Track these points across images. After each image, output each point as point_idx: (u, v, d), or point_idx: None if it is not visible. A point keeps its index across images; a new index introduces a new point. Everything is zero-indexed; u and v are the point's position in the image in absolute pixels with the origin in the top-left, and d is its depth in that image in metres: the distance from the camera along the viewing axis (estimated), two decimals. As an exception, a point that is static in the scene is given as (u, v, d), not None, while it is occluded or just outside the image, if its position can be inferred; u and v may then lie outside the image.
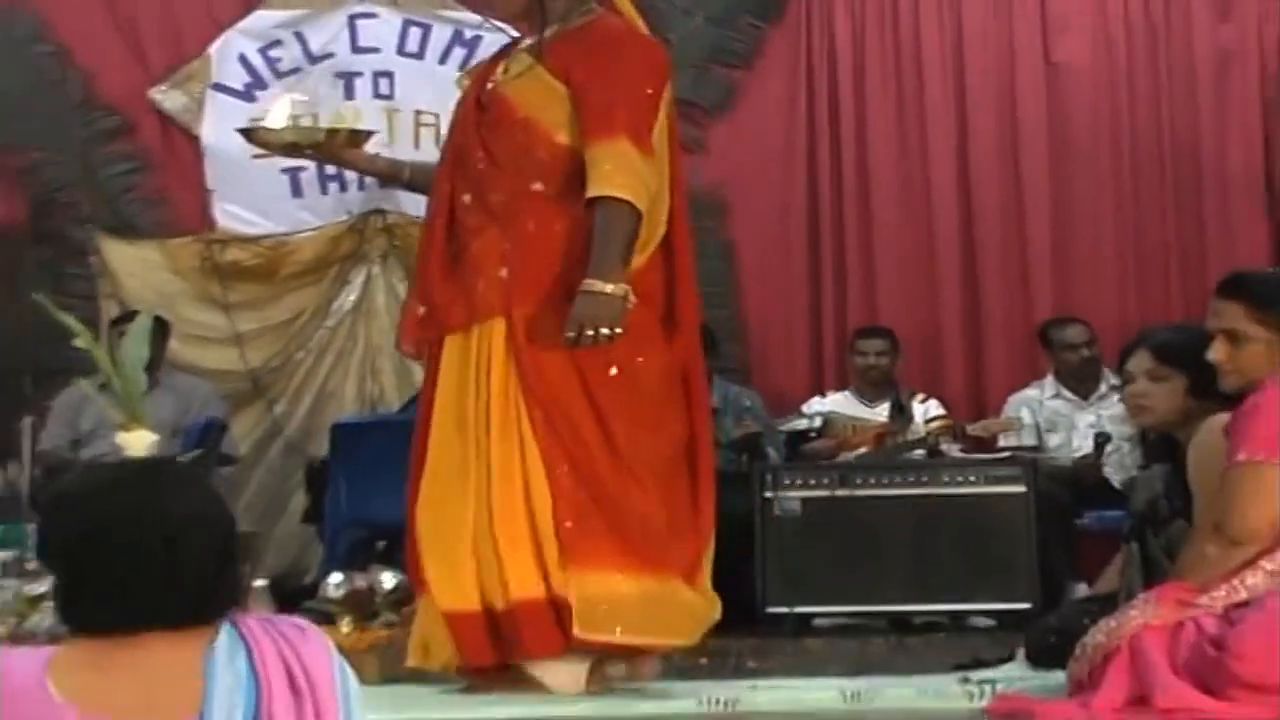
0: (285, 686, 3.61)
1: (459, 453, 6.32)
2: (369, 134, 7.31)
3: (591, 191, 6.09)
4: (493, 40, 11.99)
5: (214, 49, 12.31)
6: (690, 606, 6.37)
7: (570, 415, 6.22)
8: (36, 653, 3.63)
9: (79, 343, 7.99)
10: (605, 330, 6.02)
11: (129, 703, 3.51)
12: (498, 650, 6.19)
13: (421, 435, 6.47)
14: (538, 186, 6.31)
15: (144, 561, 3.62)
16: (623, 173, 6.10)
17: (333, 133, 7.06)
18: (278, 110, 6.99)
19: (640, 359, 6.30)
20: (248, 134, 7.42)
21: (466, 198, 6.52)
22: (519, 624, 6.13)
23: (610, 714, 5.98)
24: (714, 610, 6.54)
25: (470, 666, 6.28)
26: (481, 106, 6.60)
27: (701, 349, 6.65)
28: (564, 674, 6.14)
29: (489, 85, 6.62)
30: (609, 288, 6.02)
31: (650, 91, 6.31)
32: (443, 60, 12.32)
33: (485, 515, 6.22)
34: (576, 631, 6.05)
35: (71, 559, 3.65)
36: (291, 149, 7.13)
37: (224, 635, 3.65)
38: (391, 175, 7.34)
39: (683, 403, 6.47)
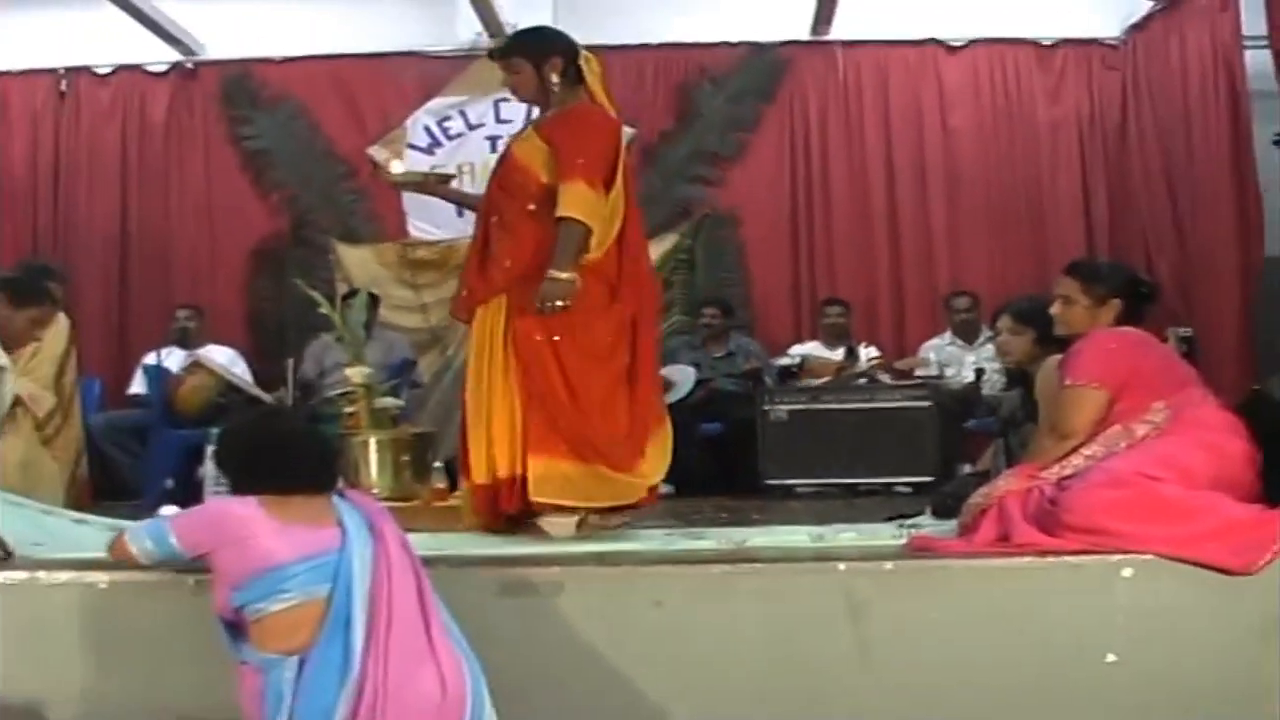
0: (374, 513, 4.36)
1: (481, 384, 6.44)
2: (451, 176, 7.77)
3: (558, 213, 6.23)
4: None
5: (408, 121, 12.33)
6: (613, 484, 6.33)
7: (538, 361, 6.30)
8: (246, 499, 4.29)
9: (323, 310, 8.13)
10: (560, 302, 6.19)
11: (301, 519, 4.23)
12: (494, 511, 6.36)
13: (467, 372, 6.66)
14: (531, 208, 6.38)
15: (307, 454, 4.43)
16: (577, 203, 6.22)
17: (427, 176, 7.49)
18: (397, 164, 7.16)
19: (593, 318, 6.37)
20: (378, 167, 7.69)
21: (494, 218, 6.62)
22: (499, 491, 6.29)
23: (656, 549, 5.99)
24: (638, 489, 6.48)
25: (485, 521, 6.42)
26: (501, 160, 6.74)
27: (650, 307, 6.68)
28: (559, 525, 6.22)
29: (509, 146, 6.80)
30: (563, 275, 6.18)
31: (603, 149, 6.40)
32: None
33: (489, 424, 6.36)
34: (531, 496, 6.20)
35: (269, 454, 4.38)
36: (404, 186, 7.31)
37: (336, 496, 4.39)
38: (465, 201, 7.53)
39: (629, 343, 6.49)
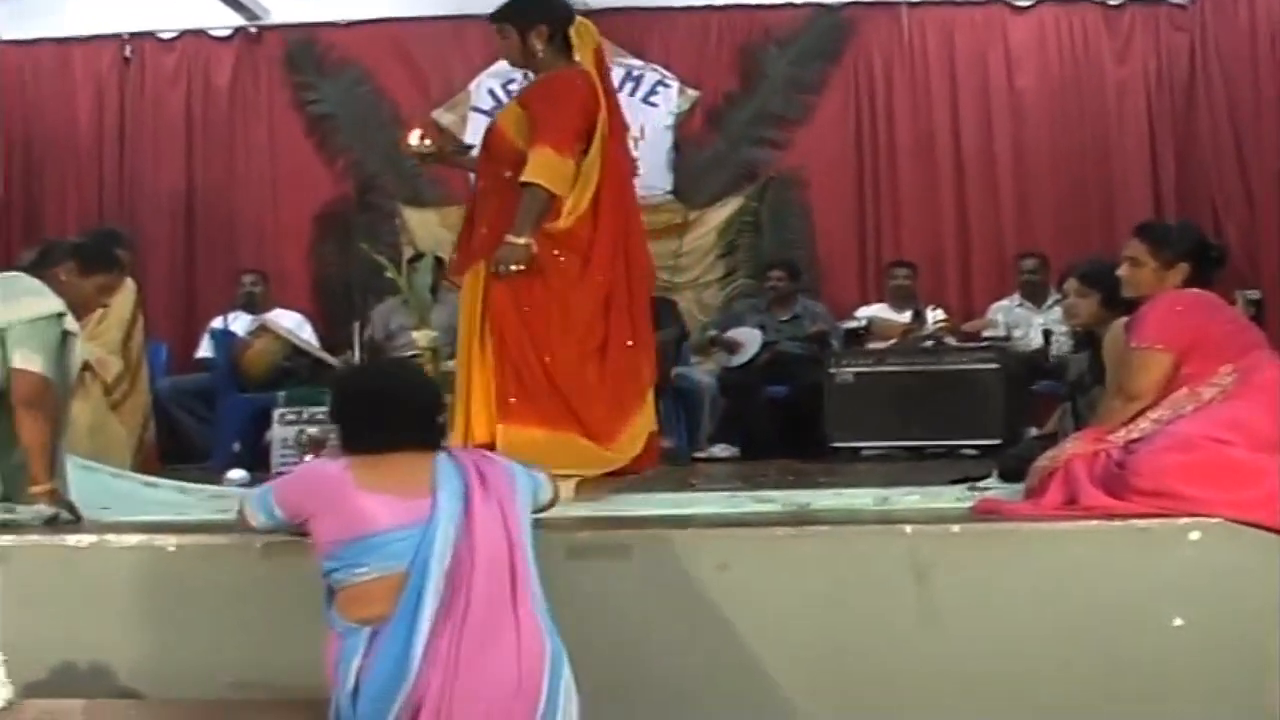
0: (477, 481, 4.25)
1: (465, 346, 6.54)
2: (469, 146, 7.71)
3: (521, 178, 6.32)
4: (652, 77, 12.17)
5: (472, 85, 12.35)
6: (583, 452, 6.37)
7: (510, 329, 6.37)
8: (338, 460, 4.34)
9: (389, 274, 8.17)
10: (514, 266, 6.28)
11: (392, 486, 4.18)
12: None
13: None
14: (508, 174, 6.44)
15: (402, 409, 4.37)
16: (540, 168, 6.30)
17: (443, 146, 7.59)
18: (414, 134, 7.15)
19: (566, 290, 6.43)
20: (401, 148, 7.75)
21: (481, 184, 6.73)
22: None
23: (722, 512, 5.99)
24: (611, 460, 6.50)
25: None
26: (489, 128, 6.86)
27: (635, 276, 6.70)
28: (562, 489, 6.22)
29: (496, 115, 7.04)
30: (519, 240, 6.26)
31: (574, 115, 6.44)
32: (620, 89, 12.20)
33: (469, 392, 6.46)
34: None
35: (361, 409, 4.40)
36: (421, 156, 7.29)
37: (442, 454, 4.33)
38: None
39: (602, 317, 6.54)
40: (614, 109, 6.75)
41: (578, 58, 6.68)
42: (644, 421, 6.70)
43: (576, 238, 6.46)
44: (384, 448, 4.30)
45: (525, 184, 6.34)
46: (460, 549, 4.10)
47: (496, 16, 6.75)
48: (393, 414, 4.36)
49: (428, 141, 7.20)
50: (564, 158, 6.36)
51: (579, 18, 6.78)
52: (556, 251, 6.40)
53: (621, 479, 6.60)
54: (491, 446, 6.18)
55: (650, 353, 6.87)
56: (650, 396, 6.80)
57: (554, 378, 6.39)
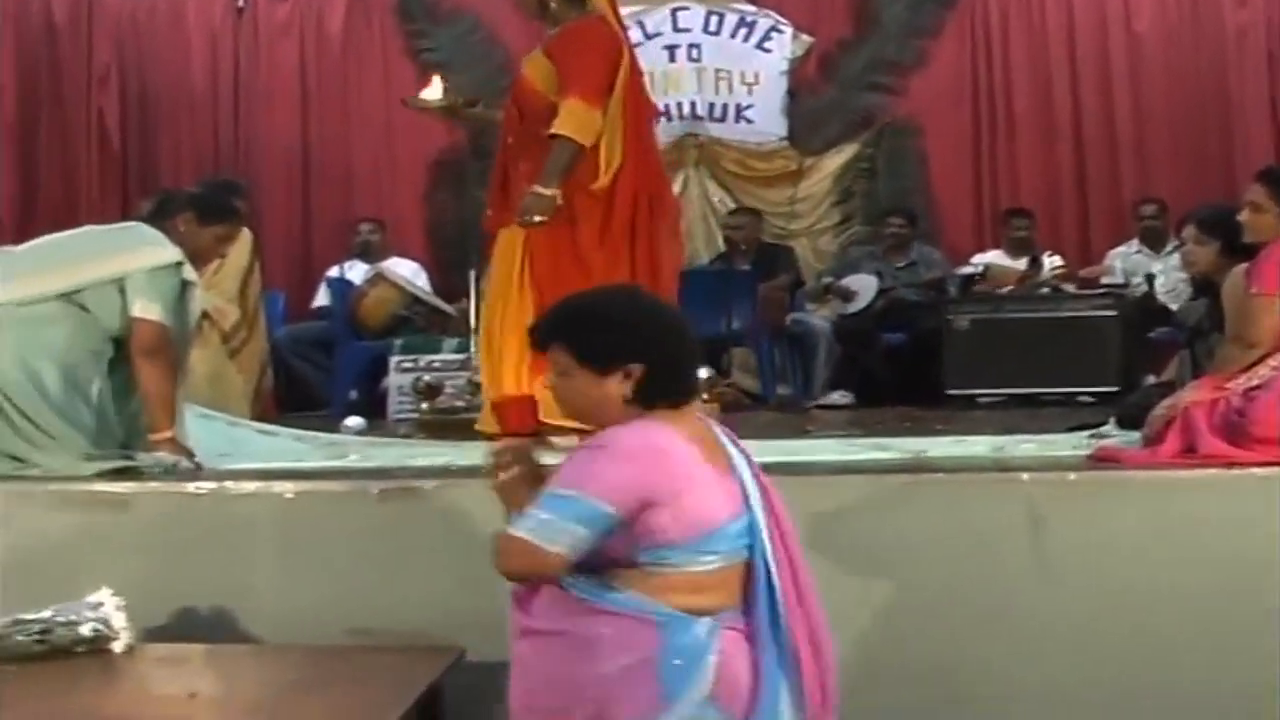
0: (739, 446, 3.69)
1: (498, 302, 6.61)
2: (476, 100, 7.66)
3: (550, 130, 6.37)
4: (765, 24, 12.16)
5: (586, 32, 12.38)
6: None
7: (548, 276, 6.40)
8: (655, 425, 3.54)
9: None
10: (538, 217, 6.36)
11: (710, 455, 3.56)
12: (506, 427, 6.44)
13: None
14: (542, 131, 6.46)
15: (693, 359, 3.76)
16: (570, 119, 6.34)
17: (453, 100, 7.38)
18: (434, 88, 7.15)
19: (591, 237, 6.49)
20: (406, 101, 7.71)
21: (510, 139, 6.76)
22: (506, 411, 6.45)
23: (838, 459, 6.04)
24: None
25: (506, 432, 6.40)
26: (515, 81, 6.88)
27: (650, 221, 6.67)
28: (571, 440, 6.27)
29: (521, 67, 6.90)
30: (546, 191, 6.34)
31: (600, 65, 6.47)
32: (733, 35, 12.33)
33: (501, 342, 6.53)
34: (541, 417, 6.25)
35: (678, 346, 3.65)
36: (432, 110, 7.36)
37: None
38: (493, 124, 7.37)
39: (627, 256, 6.56)
40: (633, 55, 6.76)
41: (594, 6, 6.70)
42: None
43: (608, 191, 6.53)
44: (687, 398, 3.68)
45: (553, 135, 6.39)
46: (769, 523, 3.61)
47: None
48: (695, 351, 3.78)
49: (439, 97, 7.21)
50: (591, 108, 6.41)
51: None
52: (588, 205, 6.49)
53: None
54: (526, 401, 6.35)
55: (672, 294, 6.87)
56: None
57: None
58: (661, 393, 3.57)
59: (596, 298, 3.90)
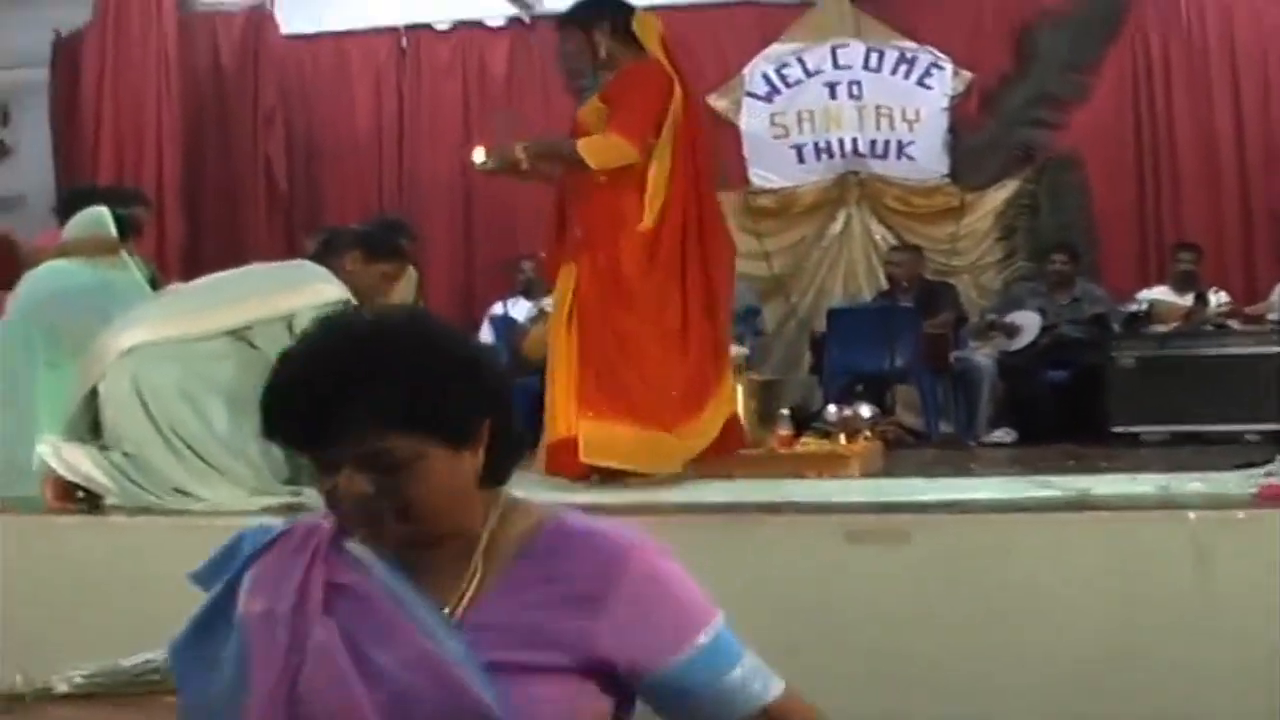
0: None
1: (555, 345, 6.61)
2: (517, 160, 7.25)
3: (578, 144, 6.53)
4: (925, 60, 12.20)
5: (746, 70, 12.51)
6: (670, 448, 6.47)
7: (596, 324, 6.46)
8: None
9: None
10: (491, 163, 6.78)
11: None
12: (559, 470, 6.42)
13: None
14: (601, 178, 6.52)
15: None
16: (593, 144, 6.46)
17: (506, 159, 7.08)
18: (478, 152, 7.12)
19: (635, 272, 6.50)
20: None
21: (568, 181, 6.79)
22: (556, 454, 6.41)
23: (1003, 497, 5.98)
24: (690, 450, 6.59)
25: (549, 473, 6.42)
26: (572, 128, 6.88)
27: (702, 257, 6.70)
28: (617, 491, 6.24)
29: (577, 114, 6.99)
30: (520, 152, 6.63)
31: (644, 104, 6.52)
32: (893, 72, 12.37)
33: (555, 384, 6.52)
34: (582, 458, 6.30)
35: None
36: (491, 172, 7.16)
37: None
38: (550, 176, 7.21)
39: (678, 287, 6.60)
40: (688, 92, 6.81)
41: (647, 49, 6.76)
42: (722, 403, 6.79)
43: (655, 232, 6.57)
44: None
45: (577, 146, 6.53)
46: None
47: (561, 21, 7.08)
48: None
49: (487, 158, 7.16)
50: (625, 142, 6.46)
51: (638, 11, 6.86)
52: (638, 244, 6.53)
53: (704, 465, 6.73)
54: (573, 442, 6.36)
55: (726, 335, 7.02)
56: (729, 379, 6.96)
57: (639, 369, 6.50)
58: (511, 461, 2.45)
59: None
